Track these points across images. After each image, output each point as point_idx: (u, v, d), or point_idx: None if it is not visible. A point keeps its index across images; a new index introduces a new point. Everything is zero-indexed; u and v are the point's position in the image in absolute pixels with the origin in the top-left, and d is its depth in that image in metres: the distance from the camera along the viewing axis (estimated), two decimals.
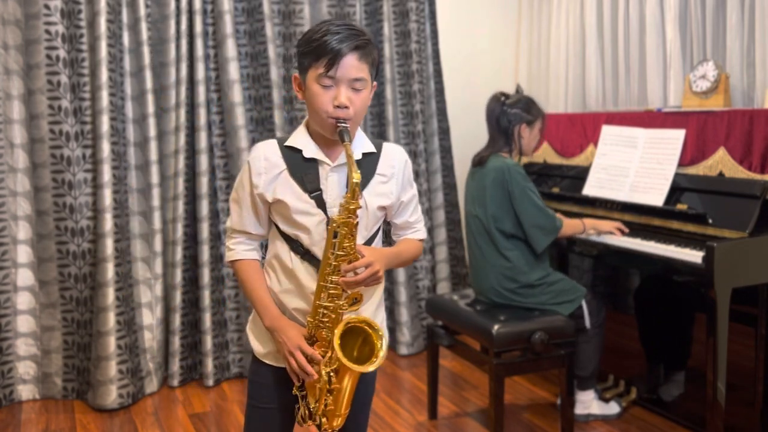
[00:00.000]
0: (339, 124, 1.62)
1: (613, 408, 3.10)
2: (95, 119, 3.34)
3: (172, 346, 3.54)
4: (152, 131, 3.50)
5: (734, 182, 2.70)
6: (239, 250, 1.78)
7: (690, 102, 3.13)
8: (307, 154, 1.69)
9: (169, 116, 3.55)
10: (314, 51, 1.63)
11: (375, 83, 1.73)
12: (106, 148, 3.32)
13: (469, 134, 4.27)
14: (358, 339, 1.70)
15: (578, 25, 4.04)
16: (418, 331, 4.01)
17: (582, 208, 3.25)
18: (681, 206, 2.81)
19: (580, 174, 3.38)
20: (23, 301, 3.42)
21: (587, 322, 2.93)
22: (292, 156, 1.70)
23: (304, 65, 1.66)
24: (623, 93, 3.79)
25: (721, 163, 2.79)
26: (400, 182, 1.78)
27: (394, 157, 1.78)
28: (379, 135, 4.02)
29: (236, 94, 3.58)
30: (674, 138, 2.97)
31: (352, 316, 1.68)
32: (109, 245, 3.32)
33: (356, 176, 1.58)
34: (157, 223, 3.54)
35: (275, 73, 3.69)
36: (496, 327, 2.72)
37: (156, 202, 3.53)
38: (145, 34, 3.45)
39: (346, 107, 1.62)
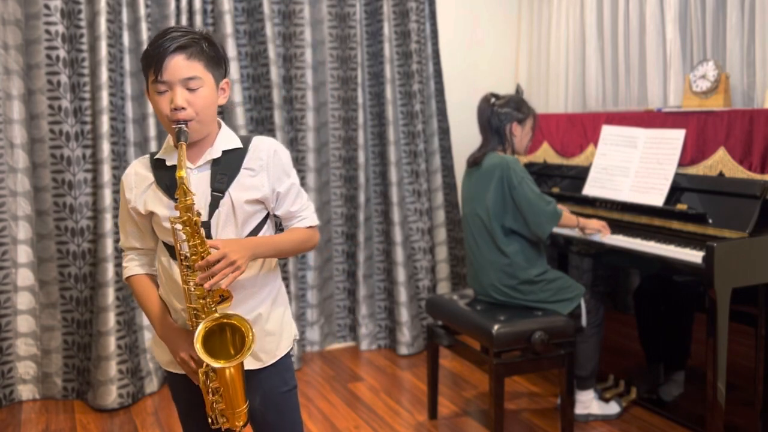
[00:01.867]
0: (176, 125, 1.64)
1: (613, 408, 3.10)
2: (95, 119, 3.34)
3: None
4: (152, 131, 3.50)
5: (734, 182, 2.70)
6: (131, 266, 1.82)
7: (690, 102, 3.13)
8: (169, 162, 1.72)
9: None
10: (146, 60, 1.66)
11: (227, 80, 1.74)
12: (106, 148, 3.32)
13: (469, 134, 4.26)
14: (227, 334, 1.68)
15: (578, 25, 4.04)
16: (418, 331, 4.01)
17: (582, 208, 3.25)
18: (681, 206, 2.80)
19: (580, 174, 3.38)
20: (23, 301, 3.42)
21: (584, 321, 2.93)
22: (160, 167, 1.73)
23: (145, 77, 1.70)
24: (623, 93, 3.79)
25: (721, 163, 2.79)
26: (272, 174, 1.76)
27: (262, 150, 1.77)
28: (379, 135, 4.03)
29: (236, 94, 3.58)
30: (674, 138, 2.97)
31: (212, 314, 1.66)
32: (109, 245, 3.32)
33: (180, 173, 1.58)
34: None
35: (275, 73, 3.69)
36: (496, 327, 2.72)
37: None
38: (145, 34, 3.45)
39: (183, 108, 1.63)
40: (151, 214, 1.73)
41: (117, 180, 3.38)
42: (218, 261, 1.60)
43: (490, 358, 2.74)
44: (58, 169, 3.37)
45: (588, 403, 3.06)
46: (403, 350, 3.96)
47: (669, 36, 3.42)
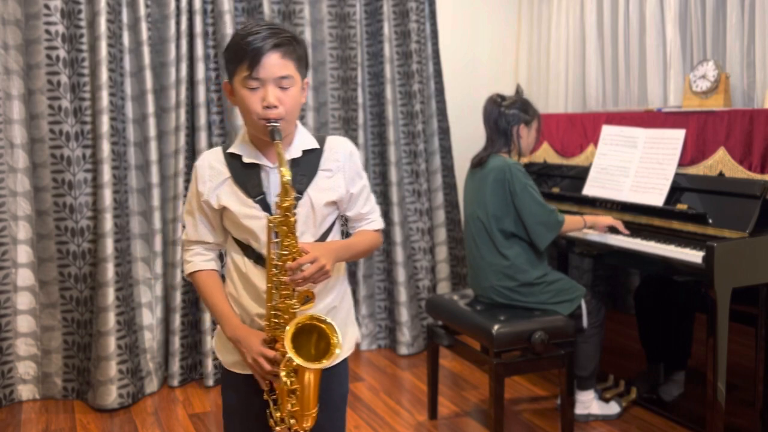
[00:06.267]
0: (269, 124, 1.63)
1: (613, 408, 3.10)
2: (95, 119, 3.34)
3: (172, 346, 3.54)
4: (152, 131, 3.50)
5: (734, 182, 2.70)
6: (196, 261, 1.78)
7: (690, 102, 3.13)
8: (246, 159, 1.71)
9: (169, 116, 3.55)
10: (237, 54, 1.63)
11: (307, 80, 1.73)
12: (106, 148, 3.32)
13: (469, 134, 4.27)
14: (313, 336, 1.69)
15: (578, 25, 4.04)
16: (418, 331, 4.01)
17: (582, 208, 3.25)
18: (681, 206, 2.81)
19: (580, 174, 3.38)
20: (23, 301, 3.42)
21: (585, 322, 2.93)
22: (234, 163, 1.72)
23: (230, 71, 1.67)
24: (623, 93, 3.79)
25: (721, 163, 2.79)
26: (348, 175, 1.78)
27: (338, 151, 1.77)
28: (378, 135, 4.03)
29: None
30: (674, 138, 2.97)
31: (306, 314, 1.67)
32: (109, 245, 3.32)
33: (285, 173, 1.58)
34: (157, 223, 3.54)
35: None
36: (496, 327, 2.72)
37: (156, 202, 3.53)
38: (145, 34, 3.45)
39: (275, 107, 1.63)
40: (222, 210, 1.72)
41: (117, 180, 3.38)
42: (310, 263, 1.62)
43: (490, 358, 2.74)
44: (58, 169, 3.37)
45: (588, 403, 3.06)
46: (403, 350, 3.96)
47: (669, 36, 3.42)
